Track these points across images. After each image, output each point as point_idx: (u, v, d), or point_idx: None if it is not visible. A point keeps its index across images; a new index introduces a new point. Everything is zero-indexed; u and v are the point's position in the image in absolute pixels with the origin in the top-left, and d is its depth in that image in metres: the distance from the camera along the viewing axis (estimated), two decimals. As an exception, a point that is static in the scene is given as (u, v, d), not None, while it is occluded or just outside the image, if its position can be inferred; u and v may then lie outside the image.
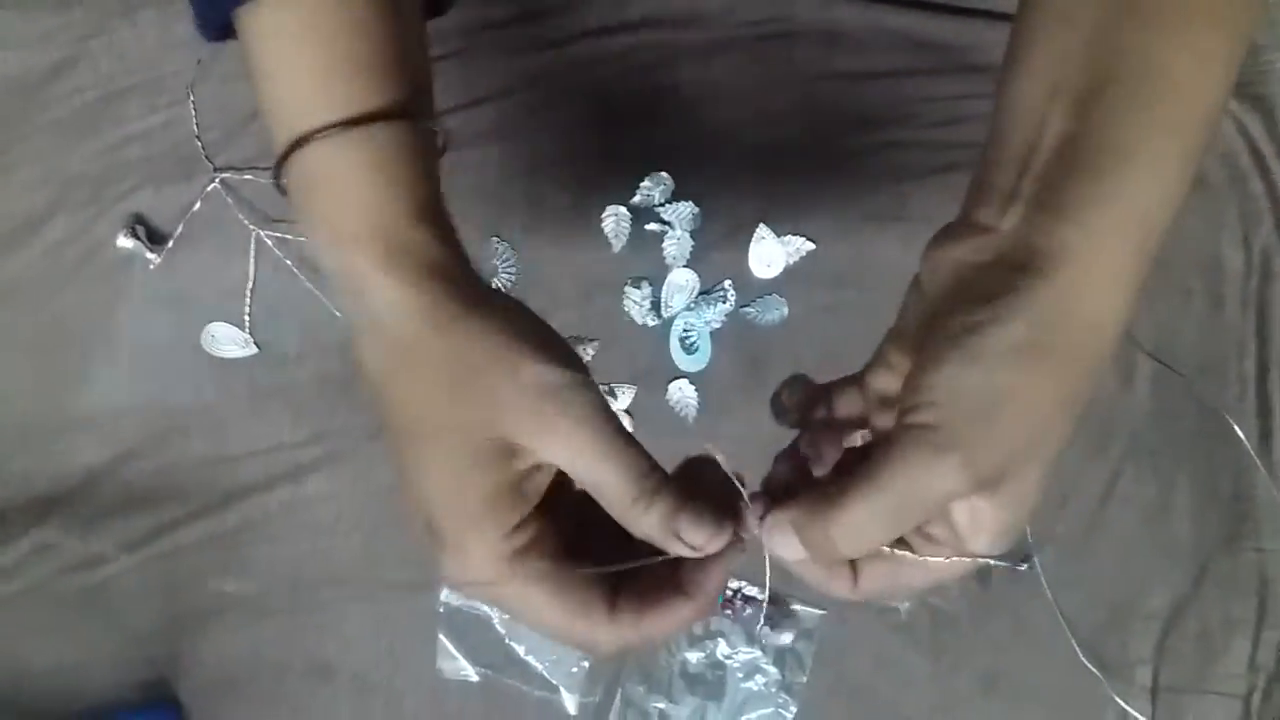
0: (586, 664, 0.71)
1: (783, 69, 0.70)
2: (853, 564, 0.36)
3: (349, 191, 0.34)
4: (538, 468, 0.34)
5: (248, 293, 0.70)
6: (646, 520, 0.33)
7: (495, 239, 0.70)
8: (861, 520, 0.32)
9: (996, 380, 0.31)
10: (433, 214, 0.35)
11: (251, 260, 0.70)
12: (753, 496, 0.36)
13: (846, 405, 0.41)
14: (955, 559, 0.34)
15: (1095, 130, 0.31)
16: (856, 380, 0.41)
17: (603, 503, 0.34)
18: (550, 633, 0.35)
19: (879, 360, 0.39)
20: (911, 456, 0.31)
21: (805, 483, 0.39)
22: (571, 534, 0.36)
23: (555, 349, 0.34)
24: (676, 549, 0.34)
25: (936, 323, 0.33)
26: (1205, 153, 0.32)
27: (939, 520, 0.34)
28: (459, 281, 0.34)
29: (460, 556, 0.33)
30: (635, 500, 0.33)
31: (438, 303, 0.33)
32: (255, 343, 0.71)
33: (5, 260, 0.70)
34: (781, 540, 0.34)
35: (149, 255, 0.69)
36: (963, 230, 0.34)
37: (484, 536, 0.33)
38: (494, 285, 0.70)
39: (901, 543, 0.35)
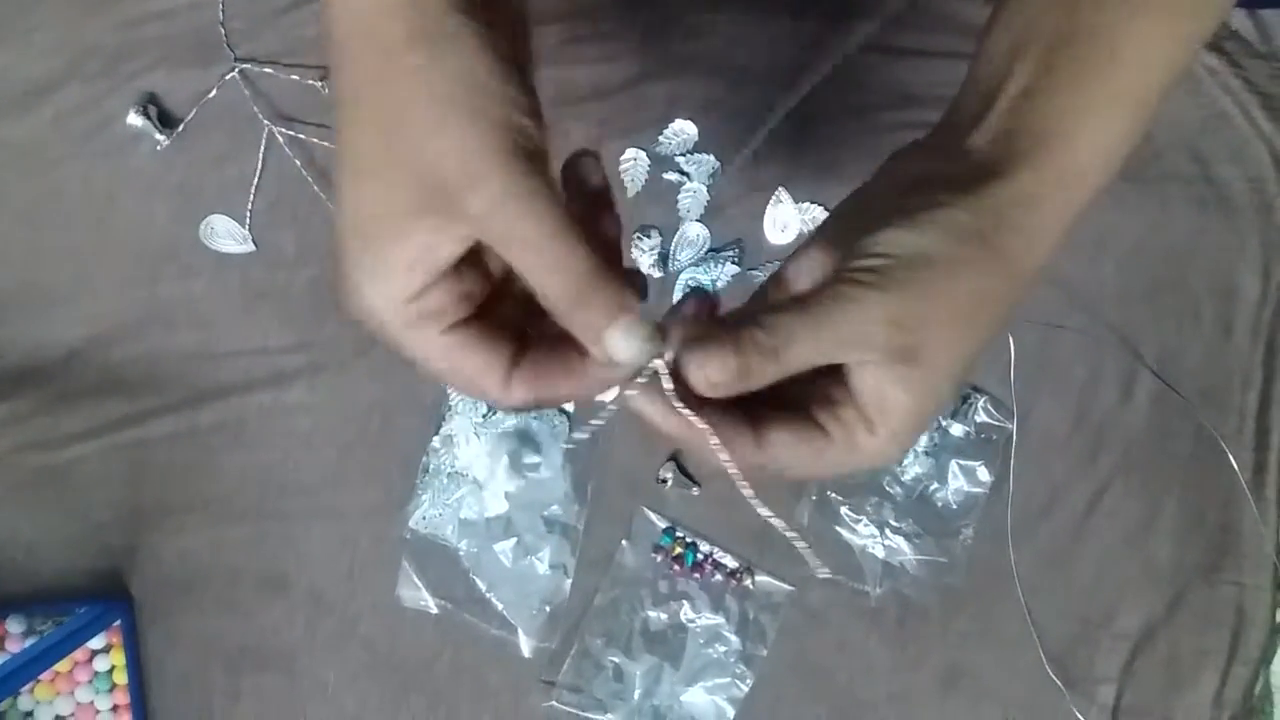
0: (548, 609, 0.69)
1: (825, 34, 0.69)
2: (761, 436, 0.34)
3: None
4: (458, 234, 0.31)
5: (253, 189, 0.69)
6: (573, 320, 0.32)
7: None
8: (787, 339, 0.32)
9: (933, 249, 0.32)
10: None
11: (261, 156, 0.69)
12: (672, 319, 0.34)
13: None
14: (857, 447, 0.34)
15: (1050, 86, 0.34)
16: (775, 278, 0.39)
17: (541, 294, 0.32)
18: (446, 380, 0.33)
19: (802, 250, 0.38)
20: (844, 293, 0.32)
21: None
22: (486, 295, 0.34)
23: (511, 106, 0.30)
24: (596, 353, 0.32)
25: (888, 205, 0.34)
26: (1147, 124, 0.34)
27: (848, 402, 0.34)
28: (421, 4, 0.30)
29: (363, 300, 0.31)
30: (562, 297, 0.31)
31: (389, 21, 0.30)
32: (253, 240, 0.69)
33: (12, 123, 0.69)
34: (701, 356, 0.32)
35: (158, 136, 0.68)
36: (923, 150, 0.36)
37: (388, 295, 0.31)
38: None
39: (810, 422, 0.34)
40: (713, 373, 0.31)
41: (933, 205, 0.33)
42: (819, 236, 0.37)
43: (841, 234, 0.35)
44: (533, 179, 0.30)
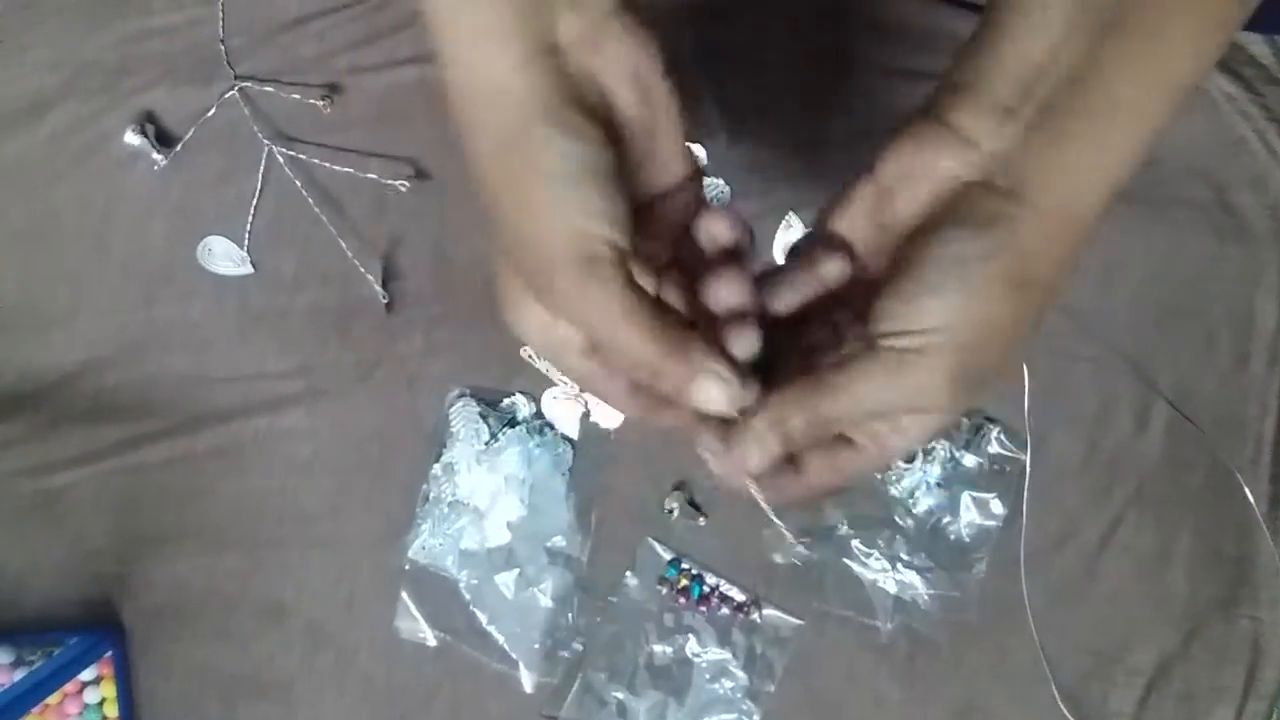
0: (550, 642, 0.68)
1: (836, 57, 0.68)
2: (795, 456, 0.35)
3: None
4: None
5: (252, 209, 0.68)
6: (660, 377, 0.33)
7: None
8: (836, 415, 0.33)
9: (989, 313, 0.32)
10: None
11: (260, 176, 0.67)
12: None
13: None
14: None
15: (1101, 76, 0.31)
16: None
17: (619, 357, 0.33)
18: (610, 344, 0.33)
19: (822, 249, 0.36)
20: (892, 376, 0.32)
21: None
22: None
23: (603, 212, 0.31)
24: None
25: (922, 241, 0.33)
26: (1174, 119, 0.32)
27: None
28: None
29: (539, 247, 0.32)
30: (650, 374, 0.32)
31: (533, 89, 0.30)
32: (252, 262, 0.68)
33: (7, 142, 0.67)
34: (748, 446, 0.33)
35: (155, 156, 0.66)
36: (941, 136, 0.33)
37: (579, 228, 0.31)
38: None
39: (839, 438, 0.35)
40: (755, 461, 0.33)
41: (980, 259, 0.31)
42: (827, 234, 0.36)
43: (867, 234, 0.35)
44: (608, 276, 0.31)
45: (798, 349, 0.36)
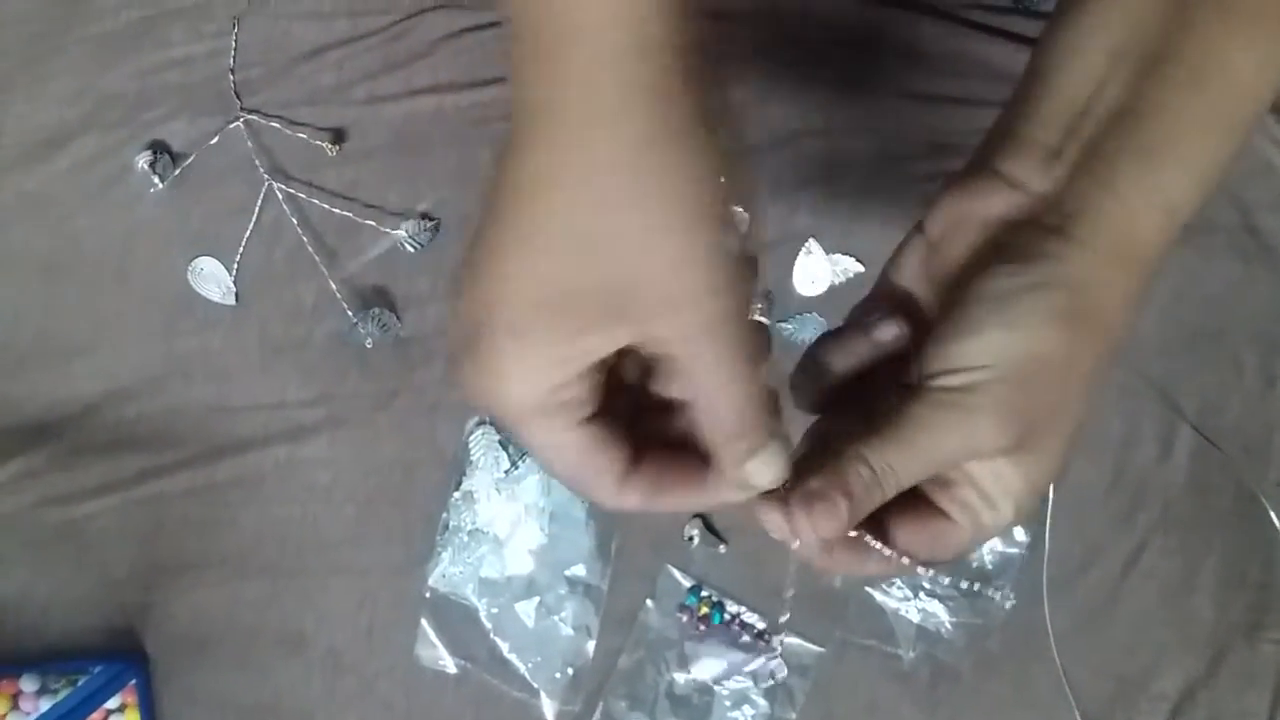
0: (571, 670, 0.68)
1: (856, 80, 0.67)
2: (883, 530, 0.34)
3: None
4: (626, 335, 0.30)
5: (243, 243, 0.68)
6: (731, 444, 0.31)
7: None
8: (891, 466, 0.31)
9: (1035, 348, 0.31)
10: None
11: (256, 210, 0.67)
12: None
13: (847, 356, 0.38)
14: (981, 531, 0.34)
15: (1150, 109, 0.30)
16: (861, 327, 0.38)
17: (702, 417, 0.31)
18: (556, 478, 0.33)
19: (874, 308, 0.36)
20: (941, 417, 0.31)
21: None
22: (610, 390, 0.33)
23: (731, 232, 0.29)
24: (730, 474, 0.32)
25: (969, 282, 0.32)
26: (1239, 152, 0.31)
27: (965, 483, 0.33)
28: (681, 89, 0.28)
29: (498, 381, 0.30)
30: (733, 431, 0.31)
31: (646, 131, 0.27)
32: (236, 295, 0.68)
33: (28, 173, 0.68)
34: (812, 513, 0.32)
35: (153, 178, 0.66)
36: (988, 183, 0.33)
37: (531, 382, 0.30)
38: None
39: (930, 508, 0.34)
40: (824, 528, 0.31)
41: (1024, 292, 0.31)
42: (889, 290, 0.36)
43: (921, 287, 0.35)
44: (736, 311, 0.29)
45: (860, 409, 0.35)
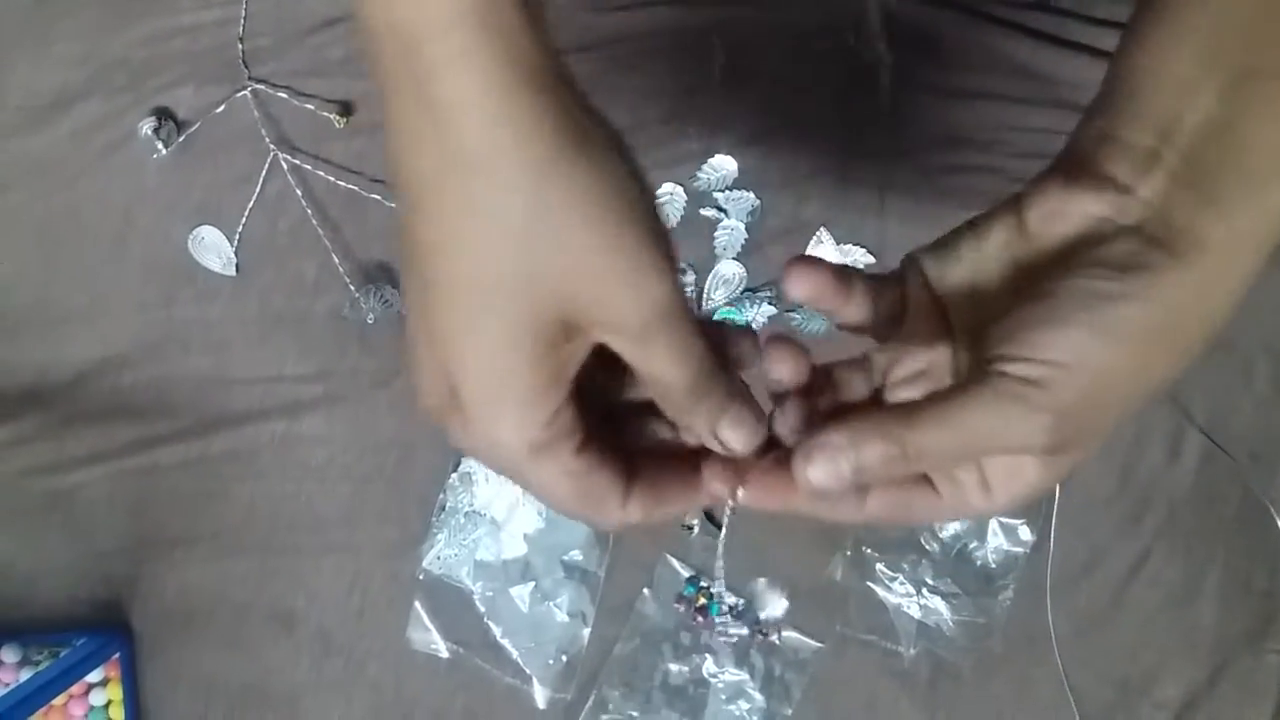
0: (565, 658, 0.66)
1: (872, 71, 0.67)
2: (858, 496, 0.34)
3: None
4: (584, 346, 0.31)
5: (246, 213, 0.67)
6: (696, 411, 0.32)
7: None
8: (925, 448, 0.30)
9: (1116, 360, 0.30)
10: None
11: (261, 180, 0.66)
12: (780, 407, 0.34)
13: (852, 389, 0.37)
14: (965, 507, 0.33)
15: (1251, 125, 0.29)
16: (859, 363, 0.38)
17: (655, 388, 0.32)
18: (561, 511, 0.33)
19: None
20: (1003, 408, 0.30)
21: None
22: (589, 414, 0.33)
23: (654, 223, 0.30)
24: (712, 444, 0.33)
25: (1062, 275, 0.31)
26: None
27: (970, 464, 0.33)
28: (561, 97, 0.27)
29: (489, 433, 0.30)
30: (691, 391, 0.31)
31: (537, 122, 0.27)
32: (237, 265, 0.67)
33: (30, 137, 0.67)
34: (822, 460, 0.31)
35: (157, 145, 0.65)
36: (1092, 179, 0.32)
37: (521, 424, 0.30)
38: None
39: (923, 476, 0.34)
40: (818, 476, 0.31)
41: (1121, 299, 0.29)
42: (936, 262, 0.35)
43: (990, 267, 0.34)
44: (674, 284, 0.30)
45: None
